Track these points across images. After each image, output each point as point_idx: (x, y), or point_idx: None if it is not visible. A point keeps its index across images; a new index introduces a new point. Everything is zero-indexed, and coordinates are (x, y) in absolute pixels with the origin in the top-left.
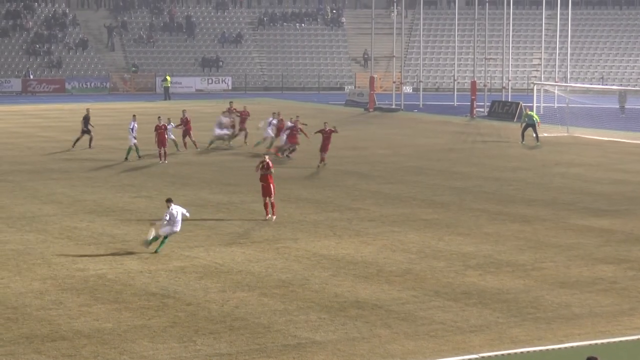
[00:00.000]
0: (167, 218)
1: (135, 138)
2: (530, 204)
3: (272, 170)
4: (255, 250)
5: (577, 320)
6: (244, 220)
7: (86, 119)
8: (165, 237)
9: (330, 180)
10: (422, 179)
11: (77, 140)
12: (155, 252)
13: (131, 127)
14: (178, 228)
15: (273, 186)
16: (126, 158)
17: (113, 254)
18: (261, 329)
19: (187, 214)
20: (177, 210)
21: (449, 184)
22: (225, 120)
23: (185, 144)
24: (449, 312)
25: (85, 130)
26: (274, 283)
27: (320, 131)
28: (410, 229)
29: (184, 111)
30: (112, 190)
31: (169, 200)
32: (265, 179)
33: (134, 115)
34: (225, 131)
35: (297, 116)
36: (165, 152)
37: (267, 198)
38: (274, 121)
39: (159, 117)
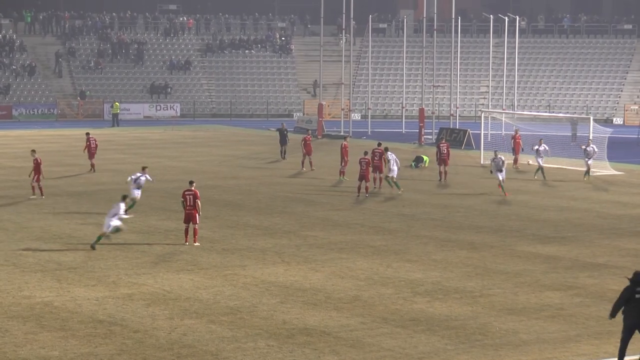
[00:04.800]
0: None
1: (137, 189)
2: (478, 231)
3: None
4: (203, 277)
5: (525, 347)
6: (192, 246)
7: (282, 132)
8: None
9: (278, 207)
10: (370, 205)
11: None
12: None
13: (135, 177)
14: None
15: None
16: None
17: (60, 281)
18: (209, 357)
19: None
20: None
21: (397, 210)
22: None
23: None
24: (397, 338)
25: (283, 142)
26: (222, 310)
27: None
28: (359, 255)
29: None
30: (59, 217)
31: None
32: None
33: (143, 167)
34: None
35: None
36: (40, 187)
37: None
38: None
39: (33, 150)
